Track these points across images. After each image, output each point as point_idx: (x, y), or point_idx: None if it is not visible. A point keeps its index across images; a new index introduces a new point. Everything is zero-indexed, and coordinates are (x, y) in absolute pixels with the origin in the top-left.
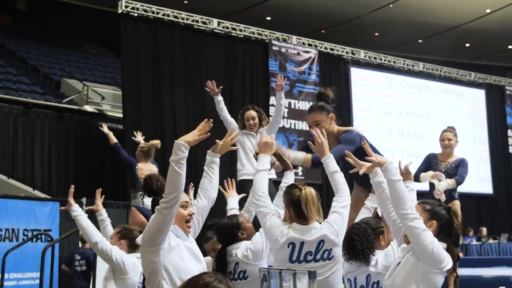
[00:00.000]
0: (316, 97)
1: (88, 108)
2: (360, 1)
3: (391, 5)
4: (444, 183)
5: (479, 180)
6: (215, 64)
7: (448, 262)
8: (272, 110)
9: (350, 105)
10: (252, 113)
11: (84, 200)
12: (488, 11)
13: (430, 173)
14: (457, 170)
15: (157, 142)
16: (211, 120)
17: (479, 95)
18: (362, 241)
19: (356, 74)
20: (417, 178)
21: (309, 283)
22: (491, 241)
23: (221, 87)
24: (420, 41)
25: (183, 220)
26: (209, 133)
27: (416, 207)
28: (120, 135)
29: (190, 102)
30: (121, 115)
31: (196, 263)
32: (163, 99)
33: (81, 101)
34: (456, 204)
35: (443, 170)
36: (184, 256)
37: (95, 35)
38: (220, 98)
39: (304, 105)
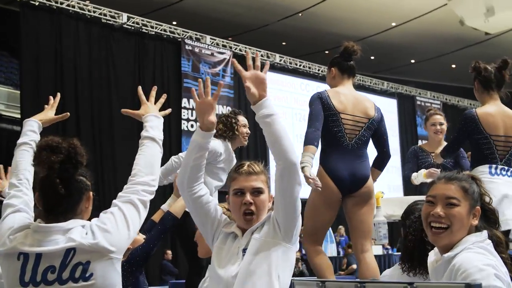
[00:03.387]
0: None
1: None
2: (268, 9)
3: (300, 14)
4: None
5: (391, 190)
6: (124, 62)
7: None
8: (184, 113)
9: None
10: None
11: None
12: (393, 24)
13: (423, 171)
14: (457, 162)
15: None
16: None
17: (392, 104)
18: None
19: (271, 79)
20: (408, 179)
21: None
22: None
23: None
24: (326, 52)
25: None
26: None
27: (455, 191)
28: (17, 137)
29: (95, 101)
30: (17, 115)
31: None
32: (66, 98)
33: None
34: None
35: (437, 164)
36: None
37: None
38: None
39: (218, 109)
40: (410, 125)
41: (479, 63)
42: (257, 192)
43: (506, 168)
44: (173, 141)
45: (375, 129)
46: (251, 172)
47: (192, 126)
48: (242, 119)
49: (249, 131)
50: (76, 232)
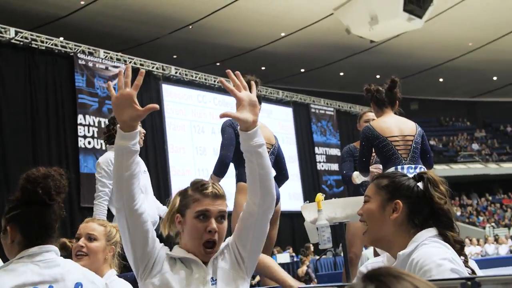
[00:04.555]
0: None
1: None
2: (158, 22)
3: (190, 27)
4: None
5: (291, 197)
6: (14, 79)
7: None
8: (80, 129)
9: (163, 123)
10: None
11: None
12: (283, 34)
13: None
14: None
15: None
16: None
17: (287, 113)
18: None
19: (168, 91)
20: (348, 179)
21: None
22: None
23: None
24: (217, 63)
25: None
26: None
27: (369, 189)
28: None
29: None
30: None
31: None
32: None
33: None
34: None
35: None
36: None
37: None
38: None
39: None
40: (306, 132)
41: (370, 86)
42: (221, 217)
43: (413, 165)
44: (70, 159)
45: (276, 155)
46: (218, 194)
47: (89, 143)
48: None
49: (144, 131)
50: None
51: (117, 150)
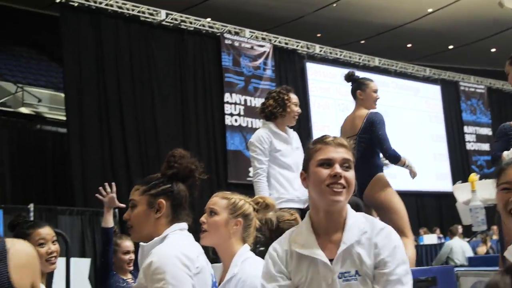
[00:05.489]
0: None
1: (24, 110)
2: (303, 1)
3: (334, 4)
4: None
5: (438, 178)
6: (164, 59)
7: None
8: (227, 108)
9: (307, 101)
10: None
11: (31, 206)
12: (430, 10)
13: None
14: None
15: None
16: None
17: (435, 91)
18: None
19: (312, 70)
20: (496, 159)
21: None
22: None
23: None
24: (362, 41)
25: None
26: None
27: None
28: (64, 139)
29: (138, 100)
30: (60, 117)
31: None
32: (109, 97)
33: (15, 104)
34: None
35: None
36: None
37: (27, 37)
38: None
39: (260, 102)
40: (455, 111)
41: None
42: (347, 165)
43: None
44: (217, 136)
45: (364, 142)
46: (340, 143)
47: (236, 120)
48: (294, 97)
49: (300, 110)
50: None
51: None
